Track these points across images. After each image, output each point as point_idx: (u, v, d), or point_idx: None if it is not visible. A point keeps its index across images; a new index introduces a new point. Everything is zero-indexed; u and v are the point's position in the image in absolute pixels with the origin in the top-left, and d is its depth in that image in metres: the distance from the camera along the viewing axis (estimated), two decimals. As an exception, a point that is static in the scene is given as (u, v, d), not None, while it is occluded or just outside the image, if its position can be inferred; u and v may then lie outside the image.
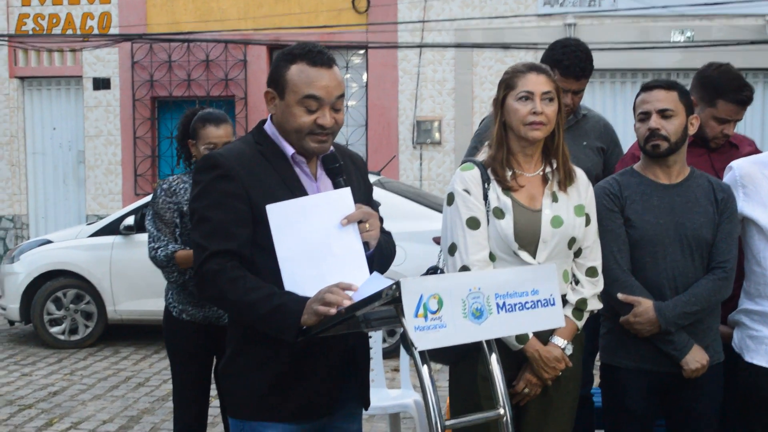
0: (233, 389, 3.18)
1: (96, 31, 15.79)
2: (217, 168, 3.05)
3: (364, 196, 3.29)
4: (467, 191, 3.60)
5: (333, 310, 2.72)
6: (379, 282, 2.80)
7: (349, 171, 3.24)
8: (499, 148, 3.64)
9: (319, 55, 3.05)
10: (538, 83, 3.55)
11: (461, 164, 3.75)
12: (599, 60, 14.87)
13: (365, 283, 2.86)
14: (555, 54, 4.74)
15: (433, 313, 2.57)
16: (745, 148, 4.61)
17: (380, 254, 3.16)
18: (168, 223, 4.91)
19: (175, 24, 15.46)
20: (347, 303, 2.73)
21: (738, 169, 3.99)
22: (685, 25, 14.48)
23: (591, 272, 3.70)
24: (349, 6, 15.13)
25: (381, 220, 3.32)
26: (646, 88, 3.91)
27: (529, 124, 3.55)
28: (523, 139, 3.60)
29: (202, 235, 3.03)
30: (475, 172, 3.62)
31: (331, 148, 3.18)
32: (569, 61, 4.68)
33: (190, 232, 3.10)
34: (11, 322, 10.57)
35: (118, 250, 9.76)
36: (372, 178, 9.23)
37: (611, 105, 14.73)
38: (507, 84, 3.62)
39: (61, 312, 10.07)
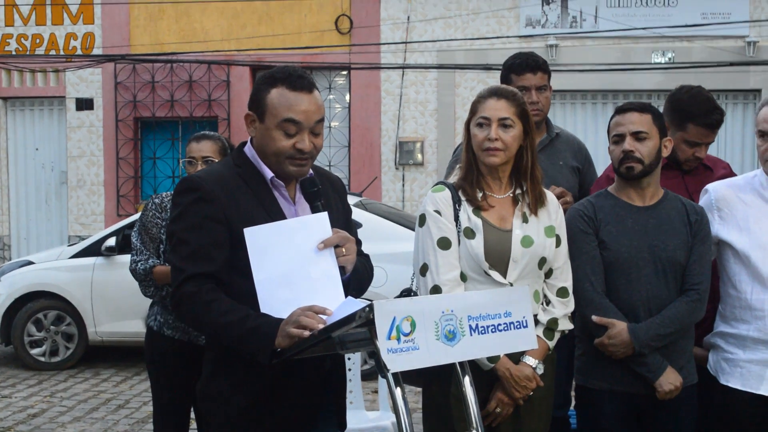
0: (209, 411, 3.18)
1: (79, 52, 15.80)
2: (196, 191, 3.06)
3: (342, 218, 3.31)
4: (438, 212, 3.63)
5: (306, 333, 2.73)
6: (354, 306, 2.81)
7: (327, 194, 3.26)
8: (468, 171, 3.69)
9: (299, 80, 3.07)
10: (496, 109, 3.59)
11: (433, 186, 3.78)
12: (580, 81, 15.02)
13: (339, 307, 2.87)
14: (506, 64, 4.91)
15: (406, 335, 2.58)
16: (719, 170, 4.63)
17: (357, 278, 3.18)
18: (153, 238, 4.93)
19: (158, 44, 15.49)
20: (320, 326, 2.74)
21: (713, 192, 4.02)
22: (666, 47, 14.59)
23: (562, 293, 3.73)
24: (332, 27, 15.20)
25: (359, 242, 3.33)
26: (620, 110, 3.94)
27: (485, 150, 3.58)
28: (484, 163, 3.64)
29: (180, 257, 3.04)
30: (446, 193, 3.66)
31: (310, 171, 3.20)
32: (519, 60, 4.83)
33: (168, 253, 3.11)
34: (-9, 344, 10.54)
35: (99, 271, 9.73)
36: (354, 199, 9.24)
37: (592, 126, 14.80)
38: (471, 109, 3.68)
39: (41, 333, 10.01)
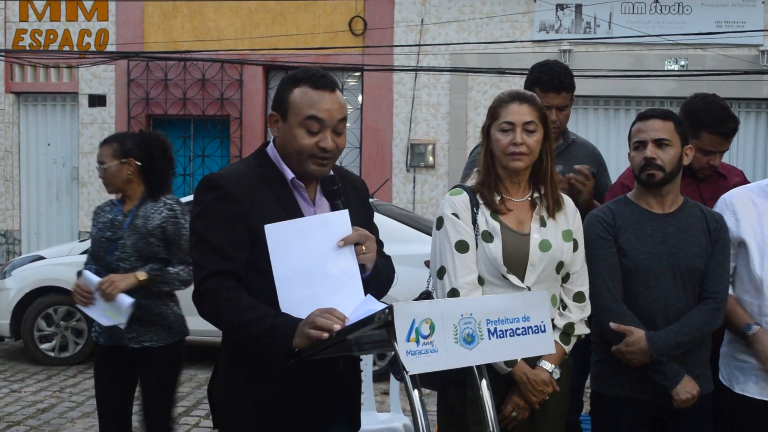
0: (223, 409, 3.20)
1: (93, 48, 15.85)
2: (218, 189, 3.08)
3: (363, 219, 3.31)
4: (456, 215, 3.62)
5: (325, 335, 2.73)
6: (372, 305, 2.82)
7: (348, 194, 3.27)
8: (486, 175, 3.68)
9: (321, 79, 3.09)
10: (520, 113, 3.57)
11: (450, 189, 3.78)
12: (593, 87, 15.02)
13: (358, 306, 2.88)
14: (534, 73, 4.83)
15: (425, 337, 2.58)
16: (733, 178, 4.64)
17: (377, 278, 3.18)
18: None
19: (172, 43, 15.52)
20: (338, 327, 2.74)
21: (729, 196, 4.04)
22: (679, 54, 14.57)
23: (578, 297, 3.72)
24: (345, 28, 15.21)
25: (381, 244, 3.34)
26: (642, 117, 3.92)
27: (510, 154, 3.58)
28: (507, 168, 3.63)
29: (202, 255, 3.06)
30: (464, 196, 3.66)
31: (331, 172, 3.21)
32: (547, 76, 4.76)
33: (189, 251, 3.14)
34: (1, 338, 10.54)
35: (109, 267, 9.73)
36: (365, 201, 9.22)
37: (604, 132, 14.80)
38: (492, 113, 3.66)
39: (51, 329, 10.02)
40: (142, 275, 4.75)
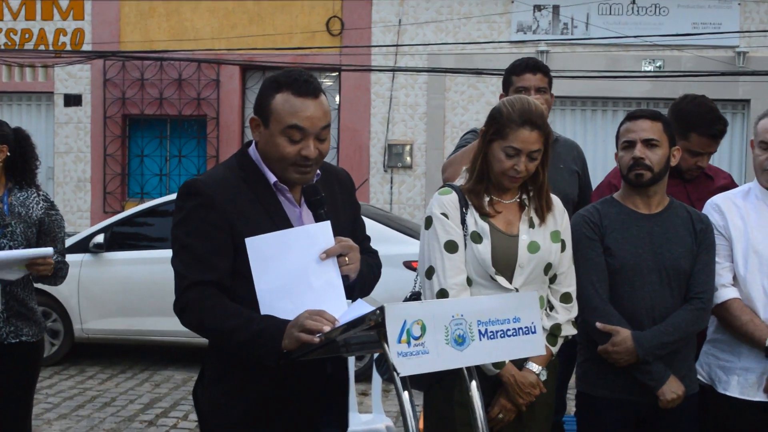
0: (211, 415, 3.16)
1: (68, 48, 15.75)
2: (199, 196, 3.02)
3: (350, 216, 3.30)
4: (445, 215, 3.59)
5: (317, 339, 2.71)
6: (363, 308, 2.80)
7: (333, 194, 3.23)
8: (478, 182, 3.62)
9: (304, 85, 3.01)
10: (528, 141, 3.48)
11: (439, 189, 3.75)
12: (570, 87, 15.08)
13: (349, 309, 2.86)
14: (507, 68, 4.92)
15: (416, 339, 2.57)
16: (720, 180, 4.66)
17: (362, 281, 3.15)
18: None
19: (149, 42, 15.46)
20: (328, 329, 2.72)
21: (714, 199, 4.08)
22: (655, 55, 14.66)
23: (565, 298, 3.70)
24: (323, 28, 15.20)
25: (368, 239, 3.32)
26: (631, 117, 3.91)
27: (510, 176, 3.54)
28: (501, 183, 3.60)
29: (183, 263, 3.02)
30: (453, 196, 3.62)
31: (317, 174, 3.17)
32: (519, 62, 4.87)
33: (171, 260, 3.06)
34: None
35: (86, 268, 9.67)
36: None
37: (581, 132, 14.83)
38: (497, 127, 3.54)
39: (27, 329, 9.93)
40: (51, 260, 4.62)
